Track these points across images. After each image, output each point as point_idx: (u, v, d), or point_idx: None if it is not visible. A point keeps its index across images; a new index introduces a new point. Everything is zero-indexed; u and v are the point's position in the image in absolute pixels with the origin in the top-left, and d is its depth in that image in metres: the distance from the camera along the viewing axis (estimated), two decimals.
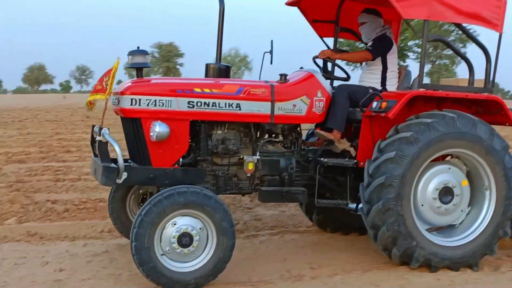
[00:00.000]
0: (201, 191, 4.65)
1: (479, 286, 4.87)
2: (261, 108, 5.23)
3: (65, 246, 5.85)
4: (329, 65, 6.19)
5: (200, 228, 4.67)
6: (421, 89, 5.31)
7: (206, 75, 5.61)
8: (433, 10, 5.08)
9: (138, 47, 5.12)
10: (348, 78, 6.15)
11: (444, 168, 5.27)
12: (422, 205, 5.18)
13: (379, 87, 5.84)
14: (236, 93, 5.18)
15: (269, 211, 7.49)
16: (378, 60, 5.84)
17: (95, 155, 5.19)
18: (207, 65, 5.66)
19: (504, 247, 5.88)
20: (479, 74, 5.60)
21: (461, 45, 39.55)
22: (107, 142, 4.81)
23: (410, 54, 43.42)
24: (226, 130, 5.38)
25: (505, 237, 5.37)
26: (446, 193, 5.20)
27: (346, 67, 6.43)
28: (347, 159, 5.60)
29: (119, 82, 5.80)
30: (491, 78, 5.51)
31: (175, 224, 4.61)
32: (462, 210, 5.30)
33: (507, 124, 5.53)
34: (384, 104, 5.15)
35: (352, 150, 5.66)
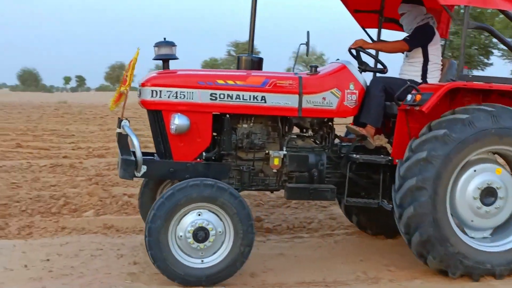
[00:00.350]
0: (215, 183, 4.52)
1: None
2: (288, 101, 5.04)
3: (140, 240, 5.87)
4: (368, 56, 5.80)
5: (217, 223, 4.56)
6: (460, 81, 4.93)
7: (238, 68, 5.49)
8: None
9: (164, 38, 5.04)
10: (385, 70, 5.76)
11: (491, 167, 4.88)
12: (461, 207, 4.84)
13: (419, 80, 5.50)
14: (262, 85, 5.00)
15: None
16: (419, 51, 5.50)
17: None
18: (238, 57, 5.54)
19: None
20: None
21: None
22: (127, 134, 4.77)
23: (495, 51, 40.82)
24: (252, 124, 5.21)
25: None
26: (488, 194, 4.82)
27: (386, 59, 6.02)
28: (382, 156, 5.27)
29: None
30: None
31: (189, 218, 4.52)
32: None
33: None
34: (418, 97, 4.85)
35: (389, 146, 5.35)
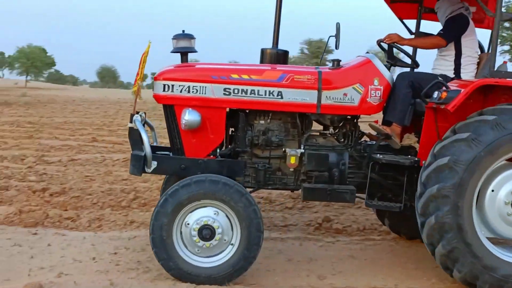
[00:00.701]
0: (220, 180, 4.39)
1: None
2: (306, 97, 4.82)
3: None
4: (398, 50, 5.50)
5: (223, 221, 4.44)
6: (492, 78, 4.60)
7: (262, 61, 5.26)
8: None
9: (183, 31, 4.94)
10: (416, 65, 5.47)
11: None
12: (491, 215, 4.49)
13: (451, 75, 5.19)
14: (278, 80, 4.81)
15: None
16: (451, 44, 5.18)
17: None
18: (262, 50, 5.28)
19: None
20: None
21: None
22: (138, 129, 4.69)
23: None
24: (269, 120, 5.03)
25: None
26: None
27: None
28: (410, 156, 4.98)
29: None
30: None
31: (194, 215, 4.41)
32: None
33: None
34: (444, 95, 4.53)
35: (418, 146, 5.02)
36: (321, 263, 5.22)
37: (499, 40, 5.07)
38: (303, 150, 4.95)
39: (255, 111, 5.00)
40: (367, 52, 5.24)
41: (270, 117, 5.02)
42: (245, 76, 4.81)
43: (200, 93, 4.77)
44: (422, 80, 4.97)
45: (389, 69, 5.19)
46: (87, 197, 7.26)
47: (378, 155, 4.98)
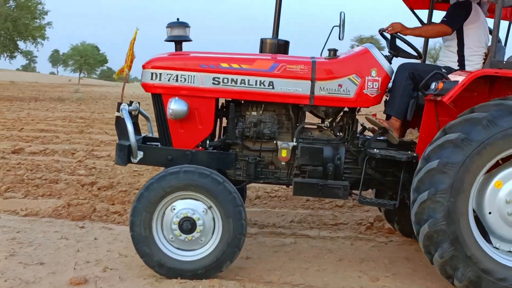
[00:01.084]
0: (195, 170, 4.26)
1: None
2: (298, 87, 4.61)
3: (254, 233, 5.71)
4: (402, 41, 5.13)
5: (204, 211, 4.31)
6: (492, 68, 4.27)
7: (261, 52, 5.04)
8: None
9: (177, 19, 4.82)
10: (420, 56, 5.12)
11: None
12: (492, 217, 4.19)
13: (455, 67, 4.89)
14: (270, 69, 4.61)
15: None
16: (454, 34, 4.87)
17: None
18: (262, 40, 5.06)
19: None
20: None
21: None
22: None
23: None
24: (261, 112, 4.83)
25: None
26: None
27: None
28: (409, 152, 4.70)
29: None
30: None
31: (174, 209, 4.29)
32: None
33: None
34: (440, 85, 4.29)
35: None
36: (373, 264, 4.99)
37: None
38: (295, 143, 4.76)
39: (247, 102, 4.83)
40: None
41: (262, 109, 4.84)
42: (235, 65, 4.66)
43: (188, 82, 4.64)
44: (423, 72, 4.70)
45: (391, 60, 4.93)
46: (135, 191, 7.24)
47: (375, 150, 4.74)
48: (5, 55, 30.68)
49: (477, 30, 4.88)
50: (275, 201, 7.19)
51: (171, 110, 4.54)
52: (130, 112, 4.79)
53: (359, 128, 5.14)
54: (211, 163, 4.63)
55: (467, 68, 4.83)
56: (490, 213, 4.20)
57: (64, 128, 14.46)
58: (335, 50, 4.76)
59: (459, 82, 4.19)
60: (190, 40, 4.94)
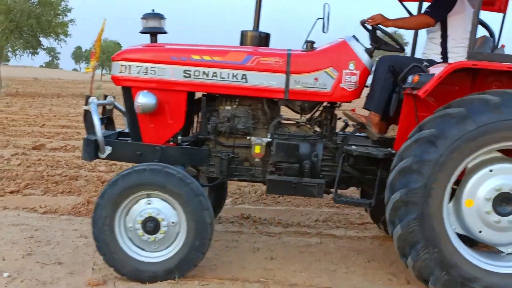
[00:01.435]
0: (162, 168, 4.09)
1: None
2: (273, 81, 4.44)
3: (278, 233, 5.53)
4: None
5: (169, 212, 4.14)
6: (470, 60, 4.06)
7: (242, 45, 4.84)
8: None
9: (153, 10, 4.69)
10: (402, 49, 4.90)
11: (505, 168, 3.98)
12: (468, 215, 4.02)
13: (438, 60, 4.65)
14: (243, 62, 4.44)
15: None
16: (438, 25, 4.64)
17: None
18: (242, 33, 4.86)
19: None
20: None
21: None
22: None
23: None
24: (235, 106, 4.67)
25: None
26: (505, 202, 3.95)
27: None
28: (389, 149, 4.50)
29: None
30: None
31: (138, 207, 4.13)
32: None
33: None
34: (416, 79, 4.10)
35: None
36: (404, 266, 4.72)
37: None
38: (270, 139, 4.58)
39: (221, 96, 4.67)
40: (353, 36, 4.68)
41: (237, 103, 4.67)
42: (207, 57, 4.49)
43: (158, 75, 4.49)
44: (404, 64, 4.46)
45: (372, 52, 4.71)
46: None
47: (353, 146, 4.56)
48: (28, 51, 30.89)
49: (462, 21, 4.63)
50: (299, 199, 7.00)
51: (138, 104, 4.39)
52: (104, 107, 4.71)
53: (342, 124, 5.00)
54: (182, 159, 4.52)
55: (450, 61, 4.59)
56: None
57: None
58: (312, 42, 4.58)
59: (436, 75, 3.99)
60: (165, 32, 4.81)
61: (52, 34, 29.81)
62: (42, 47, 31.30)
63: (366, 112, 4.68)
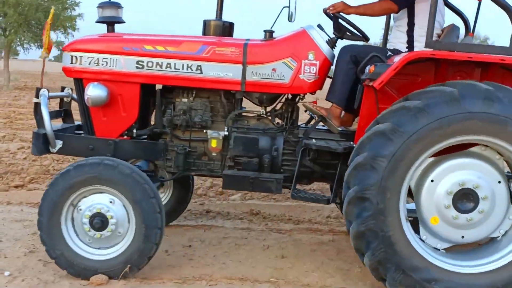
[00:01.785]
0: (101, 161, 3.93)
1: None
2: (229, 72, 4.29)
3: (288, 230, 5.37)
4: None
5: (116, 207, 3.96)
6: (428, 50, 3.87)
7: (204, 35, 4.69)
8: None
9: None
10: (366, 39, 4.69)
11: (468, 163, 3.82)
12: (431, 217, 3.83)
13: (404, 49, 4.46)
14: (197, 52, 4.30)
15: None
16: (404, 12, 4.46)
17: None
18: (205, 22, 4.69)
19: None
20: None
21: None
22: None
23: None
24: (192, 99, 4.52)
25: None
26: (465, 198, 3.78)
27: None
28: (351, 142, 4.34)
29: None
30: None
31: (83, 204, 3.98)
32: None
33: None
34: (372, 69, 3.92)
35: None
36: None
37: None
38: (227, 133, 4.45)
39: (178, 88, 4.52)
40: (318, 25, 4.50)
41: (194, 95, 4.52)
42: (160, 48, 4.33)
43: (110, 66, 4.34)
44: (367, 54, 4.26)
45: (335, 42, 4.54)
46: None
47: (313, 140, 4.38)
48: (36, 45, 30.83)
49: (429, 8, 4.38)
50: None
51: (88, 96, 4.25)
52: (62, 99, 4.60)
53: (308, 117, 4.82)
54: (137, 153, 4.43)
55: (416, 50, 4.39)
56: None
57: None
58: (271, 32, 4.43)
59: (392, 66, 3.80)
60: (122, 22, 4.67)
61: (60, 28, 29.72)
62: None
63: (329, 104, 4.51)
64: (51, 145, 4.34)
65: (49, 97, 4.39)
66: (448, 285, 3.73)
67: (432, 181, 3.81)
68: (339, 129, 4.47)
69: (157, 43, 4.36)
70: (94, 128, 4.47)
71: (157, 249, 4.01)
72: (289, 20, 4.46)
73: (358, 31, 4.60)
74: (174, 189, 5.34)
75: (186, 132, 4.53)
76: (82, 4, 30.97)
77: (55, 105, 5.59)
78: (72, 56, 4.39)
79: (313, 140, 4.41)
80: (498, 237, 3.92)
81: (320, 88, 4.43)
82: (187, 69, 4.32)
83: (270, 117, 4.59)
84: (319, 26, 4.48)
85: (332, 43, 4.49)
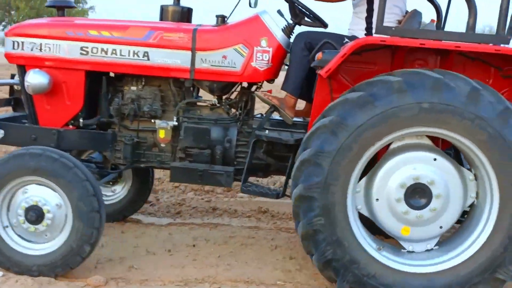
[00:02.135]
0: (43, 152, 3.70)
1: None
2: (177, 59, 4.10)
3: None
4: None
5: (57, 205, 3.75)
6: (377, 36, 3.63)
7: (161, 20, 4.49)
8: None
9: None
10: (324, 25, 4.40)
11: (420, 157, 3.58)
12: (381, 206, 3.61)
13: (362, 36, 4.13)
14: (144, 38, 4.11)
15: None
16: None
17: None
18: (162, 7, 4.48)
19: None
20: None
21: None
22: None
23: None
24: (141, 87, 4.33)
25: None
26: (417, 194, 3.54)
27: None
28: (304, 134, 4.05)
29: None
30: (508, 20, 3.50)
31: (25, 192, 3.76)
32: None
33: None
34: (319, 56, 3.75)
35: None
36: None
37: None
38: (176, 123, 4.25)
39: (127, 75, 4.32)
40: (278, 11, 4.28)
41: (143, 83, 4.32)
42: (106, 33, 4.14)
43: (53, 52, 4.14)
44: (321, 41, 4.04)
45: (292, 29, 4.29)
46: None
47: (267, 131, 4.17)
48: None
49: None
50: None
51: (28, 84, 4.06)
52: (12, 87, 4.50)
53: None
54: (83, 144, 4.29)
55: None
56: (377, 199, 3.61)
57: None
58: (223, 17, 4.23)
59: (340, 53, 3.55)
60: (73, 6, 4.53)
61: None
62: None
63: (284, 94, 4.29)
64: None
65: None
66: (403, 285, 3.54)
67: (384, 174, 3.59)
68: (294, 120, 4.26)
69: (103, 28, 4.19)
70: (38, 117, 4.29)
71: (92, 250, 3.80)
72: (250, 6, 4.27)
73: (315, 17, 4.36)
74: (133, 181, 5.18)
75: (135, 122, 4.34)
76: None
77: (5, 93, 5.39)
78: (14, 41, 4.21)
79: (266, 131, 4.20)
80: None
81: (275, 76, 4.26)
82: (133, 56, 4.14)
83: (223, 107, 4.38)
84: (279, 12, 4.27)
85: (289, 30, 4.27)
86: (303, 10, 4.28)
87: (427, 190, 3.53)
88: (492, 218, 3.51)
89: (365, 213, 3.67)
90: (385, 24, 3.76)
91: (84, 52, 4.15)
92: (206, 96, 4.53)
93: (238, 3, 4.23)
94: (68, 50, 4.15)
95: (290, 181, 3.87)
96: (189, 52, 4.10)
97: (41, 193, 3.75)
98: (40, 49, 4.17)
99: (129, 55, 4.13)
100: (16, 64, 4.29)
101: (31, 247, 3.82)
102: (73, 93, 4.23)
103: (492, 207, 3.50)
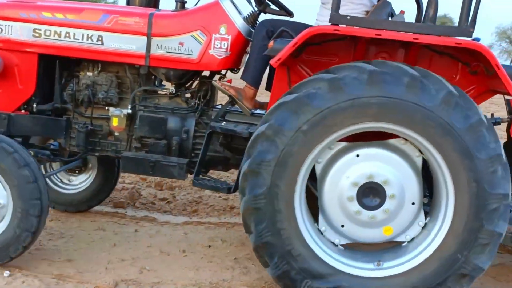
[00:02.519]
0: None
1: None
2: (132, 44, 4.00)
3: None
4: None
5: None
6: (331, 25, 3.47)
7: (129, 5, 4.45)
8: None
9: None
10: (289, 14, 4.24)
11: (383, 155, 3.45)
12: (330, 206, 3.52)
13: None
14: (98, 22, 4.02)
15: None
16: None
17: None
18: None
19: None
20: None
21: None
22: None
23: None
24: (97, 72, 4.23)
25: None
26: (371, 194, 3.41)
27: None
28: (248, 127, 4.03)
29: None
30: (471, 12, 3.30)
31: None
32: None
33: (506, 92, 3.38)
34: (270, 45, 3.67)
35: None
36: None
37: None
38: (130, 111, 4.13)
39: (83, 60, 4.23)
40: None
41: (99, 69, 4.22)
42: (59, 15, 4.05)
43: (5, 34, 4.08)
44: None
45: (257, 17, 4.17)
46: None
47: (223, 122, 4.07)
48: None
49: None
50: None
51: None
52: None
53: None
54: (35, 130, 4.17)
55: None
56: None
57: None
58: (183, 2, 4.13)
59: (291, 42, 3.42)
60: None
61: None
62: None
63: (243, 84, 4.13)
64: None
65: None
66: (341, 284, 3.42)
67: (338, 169, 3.46)
68: (257, 112, 4.13)
69: (57, 10, 4.12)
70: None
71: (34, 239, 3.73)
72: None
73: (279, 5, 4.21)
74: (98, 170, 5.05)
75: (89, 109, 4.27)
76: None
77: None
78: None
79: (223, 122, 4.09)
80: (404, 242, 3.55)
81: (235, 65, 4.16)
82: (87, 40, 4.06)
83: (181, 96, 4.25)
84: None
85: (253, 18, 4.16)
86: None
87: (380, 190, 3.41)
88: (449, 211, 3.34)
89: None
90: (352, 14, 3.66)
91: (37, 35, 4.08)
92: (169, 85, 4.35)
93: None
94: (21, 32, 4.09)
95: None
96: (145, 38, 4.00)
97: None
98: None
99: (82, 39, 4.05)
100: None
101: None
102: (25, 76, 4.16)
103: (449, 200, 3.33)
